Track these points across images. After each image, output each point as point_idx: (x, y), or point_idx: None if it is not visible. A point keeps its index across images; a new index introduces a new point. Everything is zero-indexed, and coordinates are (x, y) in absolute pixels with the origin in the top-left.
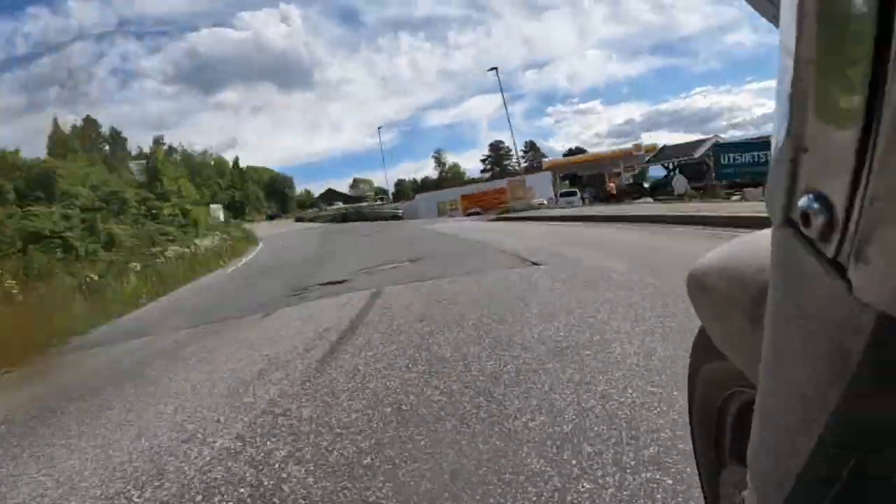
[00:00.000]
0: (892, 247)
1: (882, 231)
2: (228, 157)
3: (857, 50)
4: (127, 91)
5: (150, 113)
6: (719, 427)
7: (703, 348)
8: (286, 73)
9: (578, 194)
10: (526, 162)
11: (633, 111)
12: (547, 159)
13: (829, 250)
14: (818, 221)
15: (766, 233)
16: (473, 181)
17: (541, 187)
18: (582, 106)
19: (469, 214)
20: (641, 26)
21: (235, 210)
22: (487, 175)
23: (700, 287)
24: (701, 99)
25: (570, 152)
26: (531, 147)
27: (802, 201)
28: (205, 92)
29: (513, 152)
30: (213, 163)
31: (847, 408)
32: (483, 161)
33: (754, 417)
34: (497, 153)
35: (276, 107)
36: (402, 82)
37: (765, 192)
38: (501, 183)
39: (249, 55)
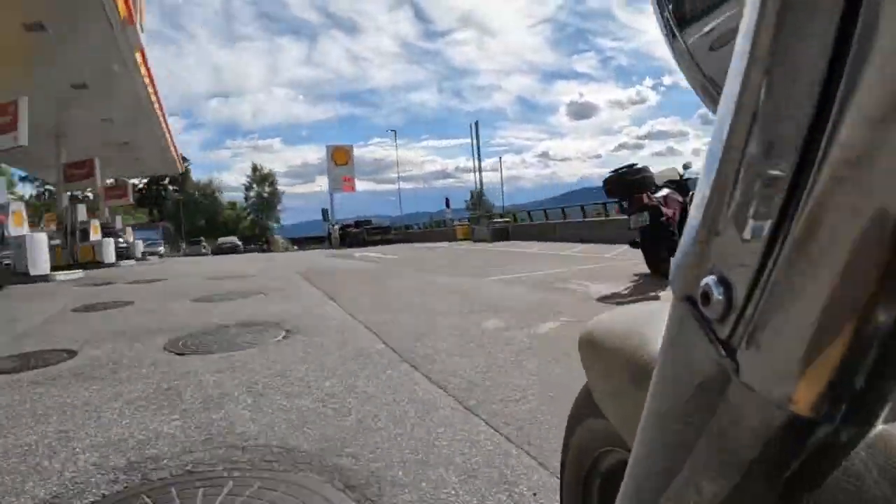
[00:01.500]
0: (782, 337)
1: (776, 321)
2: None
3: (778, 151)
4: None
5: None
6: (587, 483)
7: (585, 405)
8: None
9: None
10: None
11: (310, 154)
12: None
13: (723, 332)
14: (717, 302)
15: (664, 304)
16: None
17: None
18: (261, 143)
19: None
20: (333, 73)
21: None
22: None
23: (591, 345)
24: (378, 149)
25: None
26: None
27: (705, 281)
28: None
29: None
30: None
31: (716, 481)
32: None
33: (625, 478)
34: None
35: None
36: None
37: (671, 267)
38: None
39: None
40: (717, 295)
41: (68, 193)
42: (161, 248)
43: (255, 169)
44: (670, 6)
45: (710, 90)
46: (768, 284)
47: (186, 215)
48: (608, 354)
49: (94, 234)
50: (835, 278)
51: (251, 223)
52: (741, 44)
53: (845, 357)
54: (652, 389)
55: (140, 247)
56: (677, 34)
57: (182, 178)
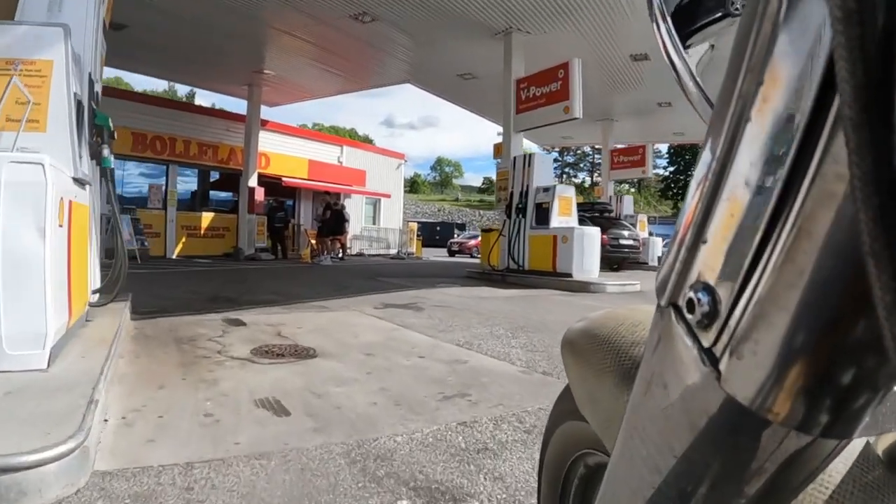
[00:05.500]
0: (764, 348)
1: (759, 332)
2: None
3: (769, 166)
4: None
5: None
6: (566, 483)
7: (566, 407)
8: None
9: None
10: None
11: None
12: None
13: (707, 340)
14: (702, 310)
15: (646, 308)
16: None
17: None
18: None
19: None
20: None
21: None
22: None
23: (573, 349)
24: None
25: None
26: None
27: (691, 289)
28: None
29: None
30: None
31: (692, 485)
32: None
33: (604, 481)
34: None
35: None
36: None
37: (657, 273)
38: None
39: None
40: (703, 303)
41: (611, 182)
42: None
43: None
44: (670, 21)
45: (706, 105)
46: (753, 294)
47: None
48: (590, 358)
49: (641, 230)
50: (818, 291)
51: None
52: (733, 59)
53: (825, 369)
54: (634, 394)
55: (657, 246)
56: (679, 49)
57: None
